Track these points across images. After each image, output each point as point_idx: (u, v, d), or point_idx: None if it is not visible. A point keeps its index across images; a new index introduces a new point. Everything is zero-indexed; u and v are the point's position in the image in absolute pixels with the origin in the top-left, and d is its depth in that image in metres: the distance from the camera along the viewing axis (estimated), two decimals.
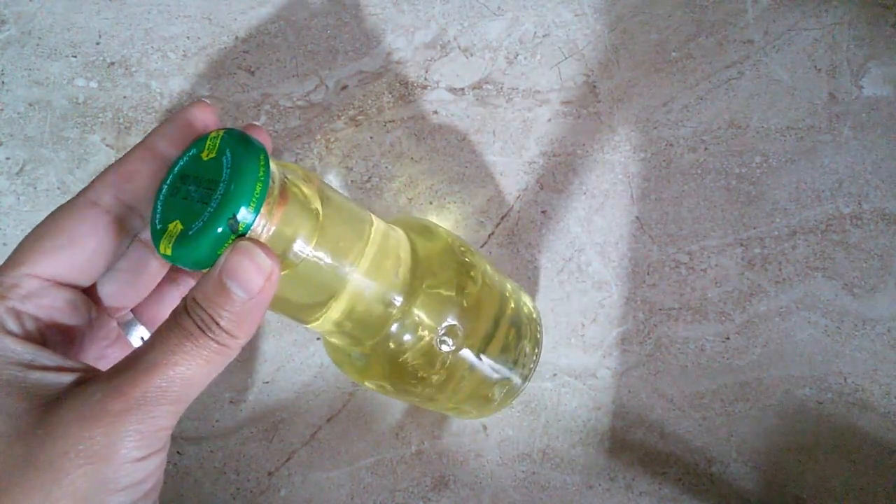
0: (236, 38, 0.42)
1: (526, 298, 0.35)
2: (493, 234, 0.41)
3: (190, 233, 0.18)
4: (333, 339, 0.28)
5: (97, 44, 0.42)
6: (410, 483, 0.40)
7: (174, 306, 0.24)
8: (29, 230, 0.41)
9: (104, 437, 0.17)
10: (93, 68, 0.42)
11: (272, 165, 0.19)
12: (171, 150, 0.21)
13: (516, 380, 0.33)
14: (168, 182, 0.20)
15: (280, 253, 0.20)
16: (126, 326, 0.24)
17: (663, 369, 0.40)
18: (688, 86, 0.41)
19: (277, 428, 0.40)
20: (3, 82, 0.42)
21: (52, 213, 0.20)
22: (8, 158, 0.41)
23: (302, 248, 0.21)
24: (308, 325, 0.24)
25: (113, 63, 0.42)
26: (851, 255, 0.40)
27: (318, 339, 0.41)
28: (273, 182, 0.19)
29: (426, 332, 0.27)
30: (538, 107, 0.42)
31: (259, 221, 0.18)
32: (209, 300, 0.18)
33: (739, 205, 0.40)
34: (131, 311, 0.24)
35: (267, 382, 0.41)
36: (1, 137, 0.42)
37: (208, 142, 0.19)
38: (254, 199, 0.18)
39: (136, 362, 0.17)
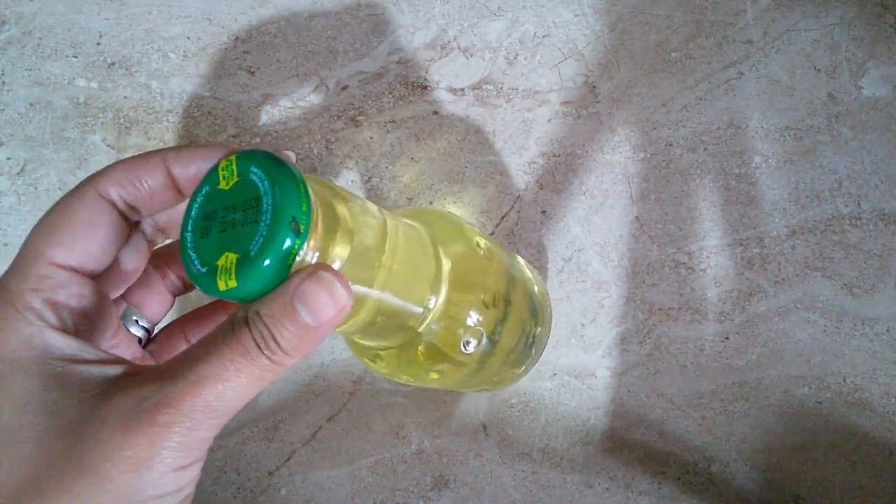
0: (237, 38, 0.42)
1: (521, 260, 0.35)
2: (493, 234, 0.41)
3: (252, 253, 0.17)
4: (364, 341, 0.27)
5: (98, 44, 0.42)
6: (410, 482, 0.40)
7: (160, 292, 0.24)
8: (30, 230, 0.40)
9: (150, 445, 0.16)
10: (93, 68, 0.42)
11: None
12: (184, 177, 0.20)
13: (542, 334, 0.34)
14: (190, 229, 0.19)
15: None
16: (123, 315, 0.23)
17: (663, 369, 0.40)
18: (687, 86, 0.41)
19: (278, 427, 0.40)
20: (3, 83, 0.42)
21: (61, 203, 0.20)
22: (9, 158, 0.42)
23: (340, 253, 0.20)
24: (335, 330, 0.24)
25: (113, 63, 0.42)
26: (850, 254, 0.40)
27: None
28: (312, 196, 0.19)
29: (460, 315, 0.27)
30: (538, 107, 0.42)
31: (311, 227, 0.18)
32: (275, 318, 0.17)
33: (739, 205, 0.40)
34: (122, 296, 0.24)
35: None
36: (2, 137, 0.42)
37: (221, 172, 0.19)
38: (303, 200, 0.17)
39: (187, 371, 0.17)
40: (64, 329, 0.18)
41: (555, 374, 0.40)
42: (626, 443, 0.40)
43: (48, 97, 0.42)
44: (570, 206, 0.41)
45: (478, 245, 0.30)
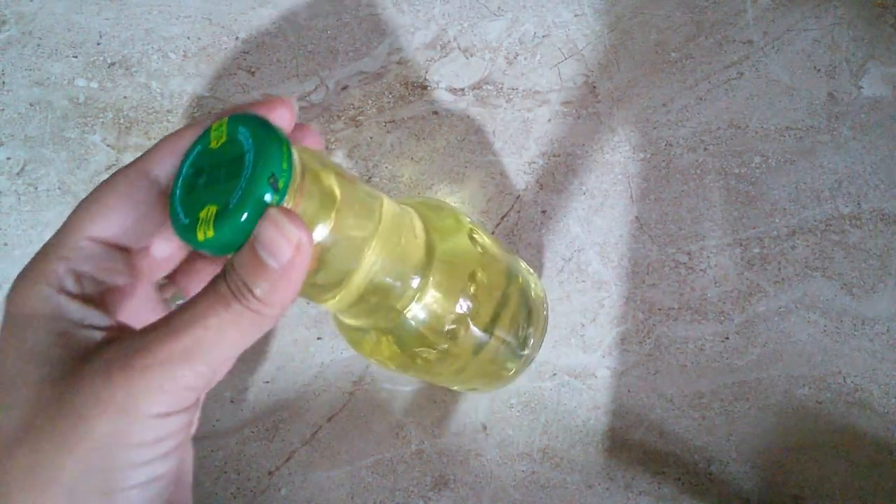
0: (236, 38, 0.42)
1: (521, 262, 0.35)
2: (493, 233, 0.41)
3: (231, 206, 0.18)
4: (349, 320, 0.28)
5: (98, 44, 0.42)
6: (410, 482, 0.40)
7: (206, 279, 0.25)
8: (30, 230, 0.41)
9: (125, 390, 0.17)
10: (93, 68, 0.42)
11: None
12: None
13: (535, 337, 0.34)
14: (181, 183, 0.20)
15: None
16: (170, 299, 0.24)
17: (663, 369, 0.40)
18: (687, 86, 0.41)
19: (278, 427, 0.40)
20: (3, 83, 0.42)
21: (108, 179, 0.21)
22: (9, 158, 0.42)
23: (324, 216, 0.21)
24: (323, 305, 0.24)
25: (113, 63, 0.42)
26: (850, 255, 0.40)
27: (319, 338, 0.41)
28: (295, 161, 0.20)
29: (446, 301, 0.27)
30: (538, 107, 0.42)
31: (290, 187, 0.19)
32: (244, 267, 0.18)
33: (739, 205, 0.40)
34: (172, 281, 0.25)
35: (267, 382, 0.41)
36: (2, 137, 0.42)
37: (213, 132, 0.20)
38: (284, 158, 0.18)
39: (168, 322, 0.18)
40: (83, 297, 0.20)
41: (555, 374, 0.40)
42: (626, 443, 0.40)
43: (48, 97, 0.42)
44: (570, 206, 0.41)
45: (472, 235, 0.30)
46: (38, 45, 0.42)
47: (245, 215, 0.18)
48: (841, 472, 0.39)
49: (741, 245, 0.40)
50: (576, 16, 0.42)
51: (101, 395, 0.17)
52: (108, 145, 0.42)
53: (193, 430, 0.24)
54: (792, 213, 0.40)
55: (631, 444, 0.40)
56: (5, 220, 0.41)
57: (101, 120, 0.42)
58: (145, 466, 0.18)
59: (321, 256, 0.22)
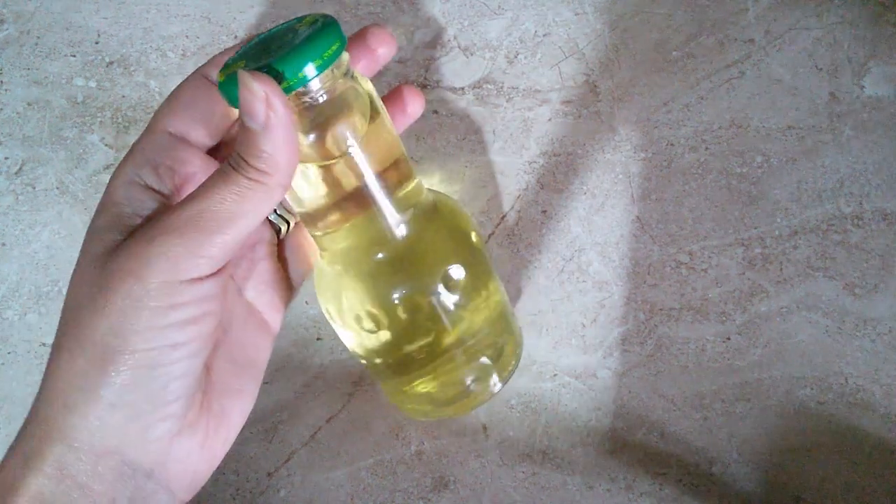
0: (235, 37, 0.42)
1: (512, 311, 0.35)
2: (493, 233, 0.41)
3: (248, 69, 0.20)
4: (326, 261, 0.29)
5: (96, 43, 0.42)
6: (410, 483, 0.40)
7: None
8: (28, 230, 0.41)
9: (139, 258, 0.19)
10: (91, 68, 0.42)
11: (347, 56, 0.22)
12: None
13: (490, 375, 0.31)
14: (258, 38, 0.23)
15: (324, 136, 0.23)
16: None
17: (664, 369, 0.40)
18: (688, 85, 0.41)
19: (277, 428, 0.40)
20: (1, 82, 0.42)
21: (178, 85, 0.24)
22: (6, 158, 0.41)
23: (345, 138, 0.23)
24: (319, 236, 0.26)
25: (112, 62, 0.42)
26: (852, 255, 0.40)
27: (319, 339, 0.41)
28: (342, 62, 0.21)
29: (419, 276, 0.28)
30: (538, 106, 0.41)
31: (314, 84, 0.21)
32: (239, 143, 0.20)
33: (740, 204, 0.40)
34: None
35: (267, 383, 0.40)
36: (0, 137, 0.42)
37: (306, 18, 0.23)
38: (318, 59, 0.20)
39: (182, 201, 0.20)
40: (154, 190, 0.22)
41: (555, 375, 0.40)
42: (628, 444, 0.40)
43: (46, 96, 0.42)
44: (571, 205, 0.41)
45: (473, 237, 0.30)
46: (36, 45, 0.42)
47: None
48: (843, 473, 0.39)
49: (743, 245, 0.40)
50: (577, 14, 0.42)
51: (123, 264, 0.19)
52: (106, 145, 0.42)
53: (274, 326, 0.28)
54: (794, 212, 0.40)
55: (632, 445, 0.40)
56: (3, 219, 0.41)
57: (99, 119, 0.42)
58: (163, 331, 0.20)
59: (336, 172, 0.24)
